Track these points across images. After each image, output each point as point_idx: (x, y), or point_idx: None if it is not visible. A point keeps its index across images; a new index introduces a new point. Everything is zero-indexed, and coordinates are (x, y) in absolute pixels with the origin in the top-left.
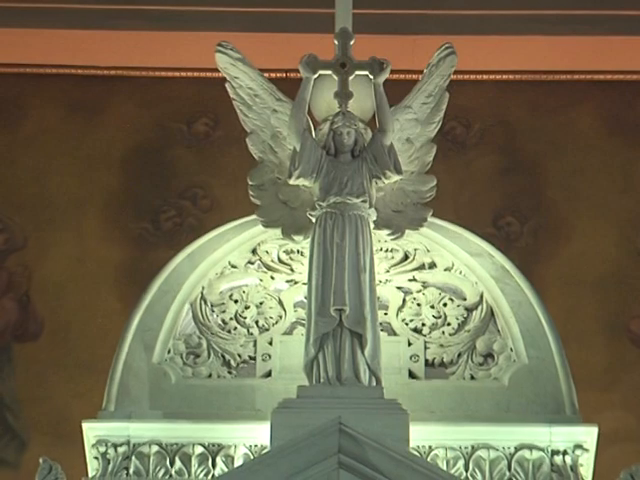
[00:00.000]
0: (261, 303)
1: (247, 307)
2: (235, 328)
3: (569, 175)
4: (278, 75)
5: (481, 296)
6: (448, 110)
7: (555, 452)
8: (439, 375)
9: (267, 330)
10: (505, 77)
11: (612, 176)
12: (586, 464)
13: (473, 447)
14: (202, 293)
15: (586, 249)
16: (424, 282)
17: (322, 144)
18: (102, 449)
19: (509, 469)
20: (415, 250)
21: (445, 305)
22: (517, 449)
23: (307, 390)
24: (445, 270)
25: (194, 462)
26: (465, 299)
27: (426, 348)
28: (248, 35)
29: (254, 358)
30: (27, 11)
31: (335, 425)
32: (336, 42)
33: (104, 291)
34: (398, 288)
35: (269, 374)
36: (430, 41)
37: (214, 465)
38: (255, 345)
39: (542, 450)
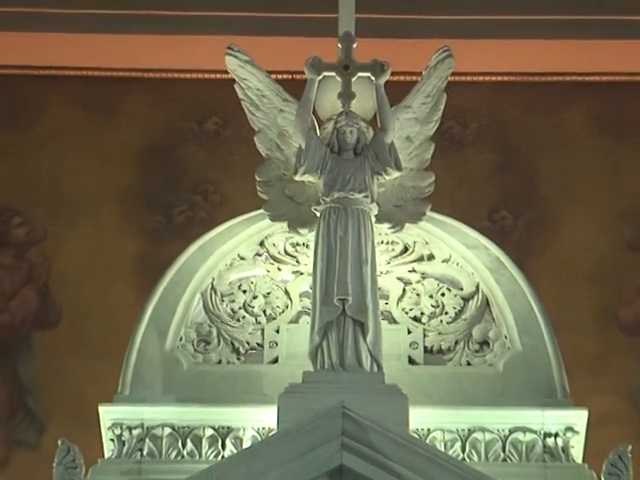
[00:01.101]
0: (268, 293)
1: (255, 297)
2: (244, 317)
3: (561, 172)
4: (284, 77)
5: (477, 286)
6: (446, 110)
7: (547, 434)
8: (437, 361)
9: (274, 319)
10: (500, 79)
11: (601, 173)
12: (577, 446)
13: (469, 430)
14: (212, 284)
15: (577, 242)
16: (423, 273)
17: (326, 142)
18: (117, 431)
19: (504, 450)
20: (414, 243)
21: (443, 295)
22: (511, 431)
23: (312, 375)
24: (443, 262)
25: (205, 444)
26: (462, 289)
27: (425, 336)
28: (256, 39)
29: (262, 345)
30: (44, 16)
31: (338, 409)
32: (340, 45)
33: (119, 282)
34: (398, 279)
35: (276, 360)
36: (429, 44)
37: (224, 447)
38: (263, 333)
39: (535, 432)
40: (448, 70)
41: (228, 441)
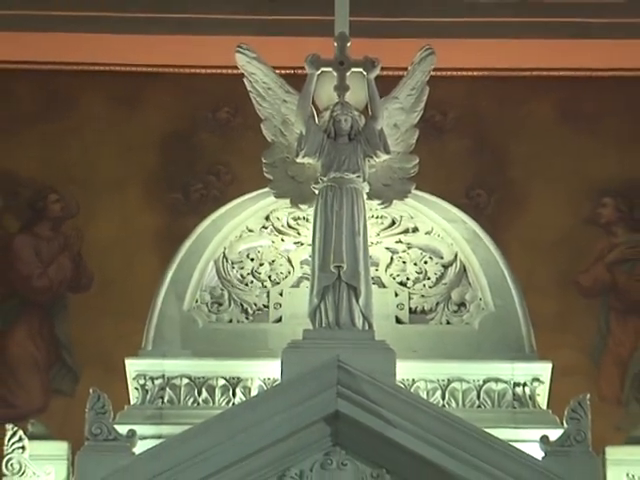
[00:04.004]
0: (273, 261)
1: (261, 264)
2: (251, 282)
3: (529, 156)
4: (287, 72)
5: (456, 255)
6: (428, 101)
7: (516, 384)
8: (421, 321)
9: (278, 283)
10: (476, 74)
11: (564, 158)
12: (542, 394)
13: (449, 380)
14: (224, 253)
15: (542, 217)
16: (408, 243)
17: (324, 129)
18: (141, 382)
19: (478, 398)
20: (401, 217)
21: (426, 263)
22: (485, 382)
23: (311, 333)
24: (426, 234)
25: (217, 392)
26: (442, 258)
27: (410, 298)
28: (263, 38)
29: (267, 306)
30: (77, 19)
31: (334, 362)
32: (335, 44)
33: (143, 251)
34: (387, 248)
35: (280, 320)
36: (413, 44)
37: (234, 395)
38: (268, 296)
39: (506, 382)
40: (430, 66)
41: (238, 390)
